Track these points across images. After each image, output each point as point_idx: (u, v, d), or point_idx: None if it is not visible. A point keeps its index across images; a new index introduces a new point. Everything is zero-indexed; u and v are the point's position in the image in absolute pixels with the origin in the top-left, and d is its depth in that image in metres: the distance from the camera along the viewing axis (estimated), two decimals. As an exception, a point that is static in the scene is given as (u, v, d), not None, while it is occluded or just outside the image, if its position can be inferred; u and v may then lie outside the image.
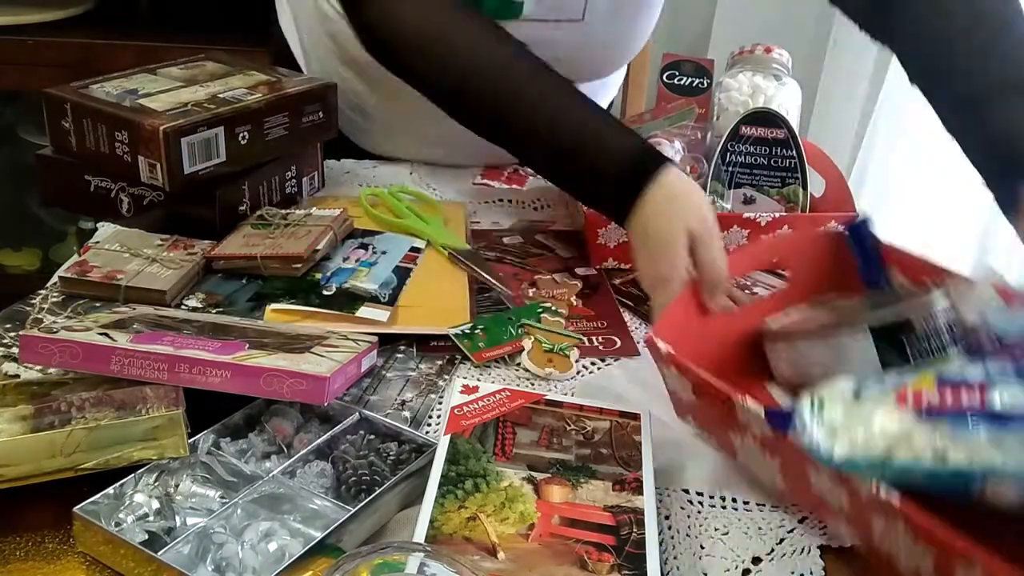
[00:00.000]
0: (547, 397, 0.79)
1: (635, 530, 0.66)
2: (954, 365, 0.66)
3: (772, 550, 0.70)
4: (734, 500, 0.75)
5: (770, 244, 0.93)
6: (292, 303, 0.93)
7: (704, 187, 1.09)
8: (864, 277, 0.82)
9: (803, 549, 0.70)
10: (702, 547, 0.71)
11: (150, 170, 0.97)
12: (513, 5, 0.99)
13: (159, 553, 0.62)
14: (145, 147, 0.97)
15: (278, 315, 0.91)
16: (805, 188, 1.12)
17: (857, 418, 0.61)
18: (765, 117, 1.12)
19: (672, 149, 1.09)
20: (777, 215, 1.06)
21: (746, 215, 1.05)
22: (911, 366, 0.66)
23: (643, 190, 0.83)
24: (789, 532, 0.72)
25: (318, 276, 0.97)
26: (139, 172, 0.99)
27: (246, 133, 1.02)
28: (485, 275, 1.01)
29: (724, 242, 1.06)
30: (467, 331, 0.91)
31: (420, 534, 0.64)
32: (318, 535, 0.64)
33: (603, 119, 0.87)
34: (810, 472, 0.64)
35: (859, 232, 0.84)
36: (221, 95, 1.04)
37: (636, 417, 0.78)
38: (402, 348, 0.91)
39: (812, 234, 0.93)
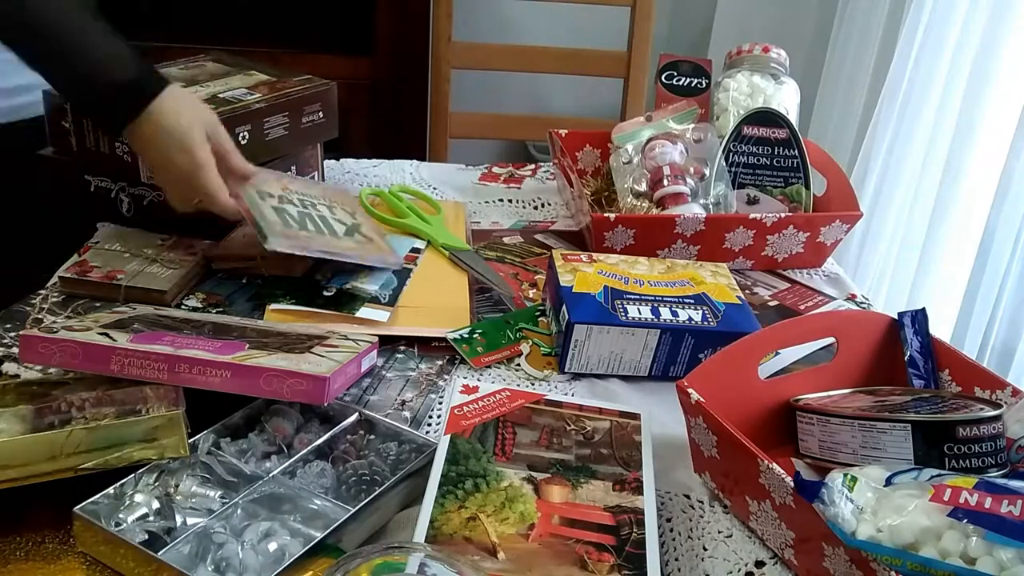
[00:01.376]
0: (547, 397, 0.79)
1: (635, 530, 0.66)
2: (995, 474, 0.66)
3: (775, 554, 0.70)
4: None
5: (821, 318, 0.93)
6: (292, 303, 0.92)
7: (708, 188, 1.09)
8: (910, 367, 0.82)
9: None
10: (704, 548, 0.71)
11: (151, 170, 0.97)
12: None
13: (159, 553, 0.62)
14: None
15: (278, 315, 0.91)
16: (808, 187, 1.12)
17: (888, 505, 0.61)
18: (767, 117, 1.12)
19: (675, 150, 1.09)
20: (782, 215, 1.06)
21: (752, 216, 1.05)
22: (947, 472, 0.66)
23: (156, 92, 0.87)
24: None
25: (318, 277, 0.97)
26: (139, 172, 0.99)
27: (246, 133, 1.02)
28: (485, 275, 1.01)
29: (729, 243, 1.06)
30: (465, 335, 0.91)
31: (420, 534, 0.64)
32: (318, 535, 0.64)
33: (115, 45, 0.89)
34: (825, 549, 0.64)
35: (914, 322, 0.83)
36: (221, 95, 1.04)
37: (636, 417, 0.77)
38: (402, 348, 0.91)
39: (865, 314, 0.94)
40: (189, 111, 0.89)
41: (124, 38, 0.90)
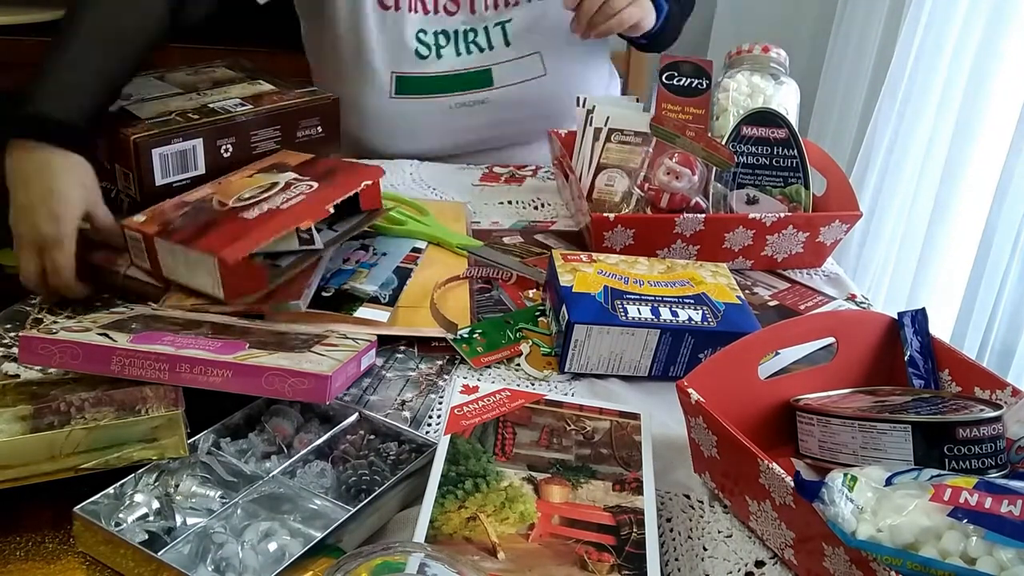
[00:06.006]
0: (547, 397, 0.79)
1: (635, 530, 0.66)
2: (995, 475, 0.66)
3: (775, 554, 0.70)
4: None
5: (821, 318, 0.92)
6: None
7: (707, 188, 1.09)
8: (910, 367, 0.82)
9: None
10: (704, 548, 0.71)
11: (124, 179, 0.94)
12: (484, 76, 1.27)
13: (159, 553, 0.62)
14: (119, 155, 0.94)
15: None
16: (808, 187, 1.12)
17: (888, 505, 0.61)
18: (766, 117, 1.12)
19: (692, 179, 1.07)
20: (782, 215, 1.06)
21: (751, 216, 1.05)
22: (947, 472, 0.66)
23: (64, 144, 0.84)
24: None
25: (318, 276, 0.96)
26: (115, 179, 0.96)
27: (230, 146, 0.99)
28: (508, 265, 1.02)
29: (729, 243, 1.06)
30: (465, 335, 0.91)
31: (420, 534, 0.64)
32: (318, 535, 0.64)
33: (78, 72, 0.88)
34: (825, 549, 0.63)
35: (914, 322, 0.83)
36: (211, 105, 1.01)
37: (636, 417, 0.77)
38: (402, 348, 0.91)
39: (865, 314, 0.94)
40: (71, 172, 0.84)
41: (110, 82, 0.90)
